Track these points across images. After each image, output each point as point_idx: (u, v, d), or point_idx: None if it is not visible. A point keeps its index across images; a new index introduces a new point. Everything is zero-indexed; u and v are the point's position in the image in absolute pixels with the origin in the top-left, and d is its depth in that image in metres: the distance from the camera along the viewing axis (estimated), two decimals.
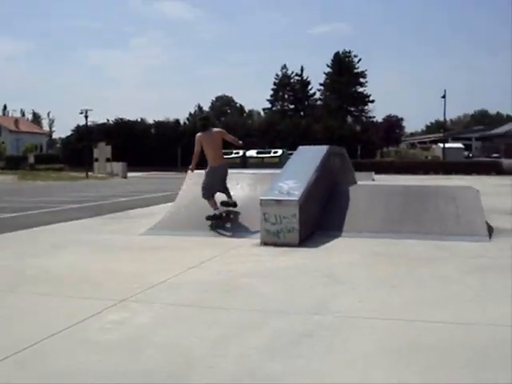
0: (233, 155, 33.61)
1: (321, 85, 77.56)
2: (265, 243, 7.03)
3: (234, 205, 8.32)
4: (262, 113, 79.48)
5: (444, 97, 50.54)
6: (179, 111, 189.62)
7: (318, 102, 78.43)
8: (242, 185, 9.15)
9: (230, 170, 8.93)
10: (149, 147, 51.09)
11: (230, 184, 8.64)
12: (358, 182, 11.63)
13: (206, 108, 78.79)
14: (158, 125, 56.30)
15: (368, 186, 11.83)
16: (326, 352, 3.25)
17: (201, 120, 9.18)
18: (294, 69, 78.61)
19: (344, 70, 74.13)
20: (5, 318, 4.03)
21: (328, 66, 76.57)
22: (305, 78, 77.47)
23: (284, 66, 77.60)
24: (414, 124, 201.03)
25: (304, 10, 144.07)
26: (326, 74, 76.70)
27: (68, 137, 59.45)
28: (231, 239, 7.41)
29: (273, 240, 7.02)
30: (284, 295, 4.57)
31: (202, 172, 8.41)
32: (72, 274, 5.42)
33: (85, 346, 3.36)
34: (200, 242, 7.29)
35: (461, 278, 5.17)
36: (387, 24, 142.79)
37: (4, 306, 4.35)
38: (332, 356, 3.20)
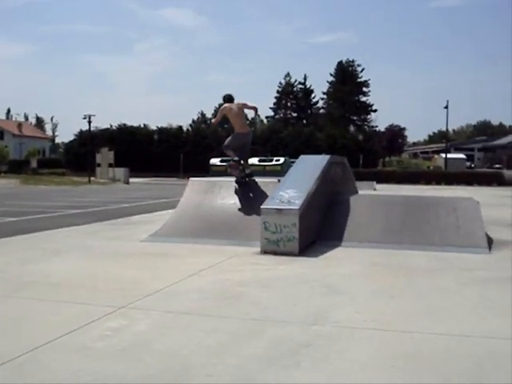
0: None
1: (324, 93, 77.96)
2: (265, 252, 7.05)
3: (250, 175, 9.22)
4: (264, 120, 79.62)
5: (447, 107, 50.67)
6: (182, 118, 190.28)
7: (321, 111, 78.73)
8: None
9: (230, 178, 8.98)
10: (151, 153, 51.30)
11: (231, 192, 8.66)
12: (360, 192, 11.64)
13: (209, 115, 78.88)
14: (161, 131, 56.47)
15: (369, 195, 11.83)
16: (324, 362, 3.26)
17: (226, 95, 9.90)
18: (297, 77, 79.25)
19: (347, 79, 74.42)
20: (2, 324, 4.02)
21: (331, 74, 76.95)
22: (308, 86, 77.82)
23: (287, 74, 78.00)
24: (416, 134, 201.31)
25: (308, 19, 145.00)
26: (330, 82, 77.08)
27: (71, 142, 59.75)
28: (231, 247, 7.43)
29: (273, 249, 7.04)
30: (283, 304, 4.58)
31: (203, 180, 8.44)
32: (71, 280, 5.44)
33: (82, 354, 3.36)
34: (200, 250, 7.31)
35: (460, 290, 5.18)
36: (390, 34, 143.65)
37: (1, 312, 4.35)
38: (329, 366, 3.21)
